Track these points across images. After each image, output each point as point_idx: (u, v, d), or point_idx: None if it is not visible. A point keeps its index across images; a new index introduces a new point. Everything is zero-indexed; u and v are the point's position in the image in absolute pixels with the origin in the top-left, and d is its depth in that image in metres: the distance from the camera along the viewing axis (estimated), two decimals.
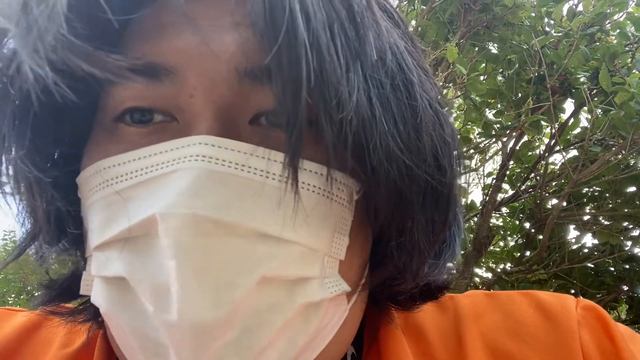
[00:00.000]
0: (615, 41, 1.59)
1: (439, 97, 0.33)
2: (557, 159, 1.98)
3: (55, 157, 0.32)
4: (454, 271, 0.40)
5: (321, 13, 0.25)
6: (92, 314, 0.36)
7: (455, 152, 0.33)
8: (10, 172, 0.30)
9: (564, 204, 1.73)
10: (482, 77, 1.79)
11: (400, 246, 0.31)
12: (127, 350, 0.30)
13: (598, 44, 1.56)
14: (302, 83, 0.24)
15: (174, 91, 0.27)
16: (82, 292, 0.31)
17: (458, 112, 2.22)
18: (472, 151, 2.03)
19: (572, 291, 1.76)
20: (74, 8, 0.24)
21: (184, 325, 0.25)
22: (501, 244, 2.26)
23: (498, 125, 1.76)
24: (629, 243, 1.81)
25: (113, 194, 0.27)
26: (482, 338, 0.37)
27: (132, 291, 0.27)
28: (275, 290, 0.27)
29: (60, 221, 0.31)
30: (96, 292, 0.30)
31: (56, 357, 0.39)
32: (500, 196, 2.03)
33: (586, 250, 1.92)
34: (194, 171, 0.25)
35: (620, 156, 1.49)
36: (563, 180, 1.84)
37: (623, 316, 2.06)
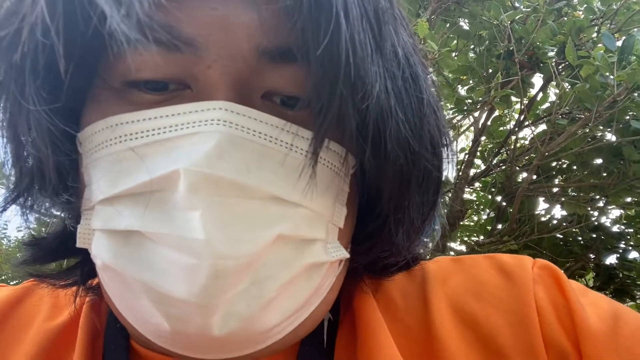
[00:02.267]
0: (582, 16, 1.62)
1: (436, 89, 0.37)
2: (526, 133, 2.03)
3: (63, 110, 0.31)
4: (430, 245, 0.43)
5: (356, 9, 0.27)
6: (81, 276, 0.37)
7: (446, 140, 0.36)
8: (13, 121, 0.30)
9: (534, 176, 1.78)
10: (453, 54, 1.81)
11: (398, 222, 0.34)
12: (128, 302, 0.31)
13: (565, 18, 1.59)
14: (340, 77, 0.26)
15: (192, 61, 0.28)
16: (78, 245, 0.32)
17: None
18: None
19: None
20: None
21: (205, 270, 0.26)
22: (474, 217, 2.31)
23: (469, 101, 1.78)
24: (596, 213, 1.88)
25: (126, 150, 0.28)
26: (447, 299, 0.39)
27: (144, 243, 0.28)
28: (287, 248, 0.29)
29: (61, 173, 0.32)
30: (99, 245, 0.30)
31: (41, 329, 0.39)
32: (472, 171, 2.07)
33: (555, 221, 1.98)
34: (217, 134, 0.27)
35: (586, 129, 1.54)
36: (532, 154, 1.88)
37: (590, 283, 2.14)
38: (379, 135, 0.29)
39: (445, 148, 0.36)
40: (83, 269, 0.37)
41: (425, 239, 0.40)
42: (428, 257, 0.43)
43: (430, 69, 1.76)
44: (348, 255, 0.34)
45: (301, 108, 0.30)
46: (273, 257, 0.29)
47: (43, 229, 0.37)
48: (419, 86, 0.32)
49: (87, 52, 0.28)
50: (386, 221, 0.34)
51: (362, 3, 0.28)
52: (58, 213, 0.35)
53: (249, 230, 0.27)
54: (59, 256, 0.36)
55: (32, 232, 0.36)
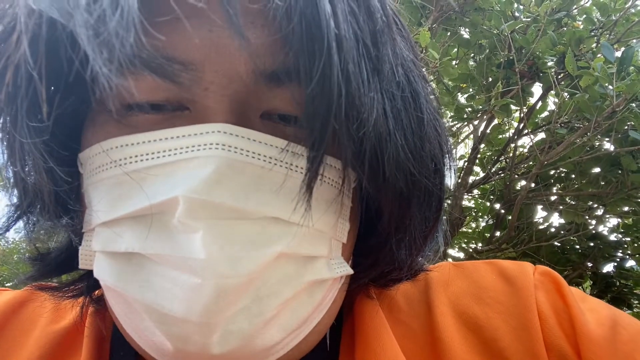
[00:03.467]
0: (581, 26, 1.64)
1: (437, 103, 0.36)
2: (525, 142, 2.04)
3: (59, 135, 0.31)
4: (430, 254, 0.43)
5: (350, 36, 0.26)
6: (86, 289, 0.37)
7: (447, 157, 0.36)
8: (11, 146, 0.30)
9: (532, 185, 1.79)
10: (454, 62, 1.82)
11: (400, 242, 0.34)
12: (132, 321, 0.31)
13: (565, 29, 1.60)
14: (332, 111, 0.26)
15: (189, 84, 0.28)
16: (81, 266, 0.32)
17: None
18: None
19: None
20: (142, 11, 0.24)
21: (209, 290, 0.26)
22: (473, 224, 2.32)
23: (469, 109, 1.79)
24: (594, 222, 1.88)
25: (123, 174, 0.28)
26: (450, 304, 0.40)
27: (145, 264, 0.28)
28: (288, 266, 0.29)
29: (59, 195, 0.32)
30: (100, 267, 0.30)
31: (44, 332, 0.39)
32: (471, 179, 2.08)
33: (553, 229, 1.99)
34: (216, 159, 0.26)
35: (585, 138, 1.55)
36: (531, 162, 1.89)
37: (588, 292, 2.15)
38: (377, 160, 0.29)
39: (447, 161, 0.36)
40: (89, 282, 0.37)
41: (428, 253, 0.40)
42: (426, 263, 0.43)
43: (431, 77, 1.77)
44: (352, 272, 0.33)
45: (294, 124, 0.30)
46: (274, 275, 0.29)
47: (49, 242, 0.37)
48: (419, 104, 0.32)
49: (77, 84, 0.29)
50: (388, 238, 0.34)
51: (357, 28, 0.27)
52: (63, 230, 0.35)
53: (249, 248, 0.27)
54: (64, 271, 0.37)
55: (37, 247, 0.36)
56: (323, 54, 0.25)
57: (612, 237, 1.94)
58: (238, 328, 0.28)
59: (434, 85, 2.01)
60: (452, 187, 2.11)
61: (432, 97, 0.35)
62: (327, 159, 0.29)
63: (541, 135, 1.90)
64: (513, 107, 1.70)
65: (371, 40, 0.28)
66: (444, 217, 0.40)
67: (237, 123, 0.28)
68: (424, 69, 0.37)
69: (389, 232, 0.34)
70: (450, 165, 0.36)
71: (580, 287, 2.13)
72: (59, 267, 0.36)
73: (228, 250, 0.26)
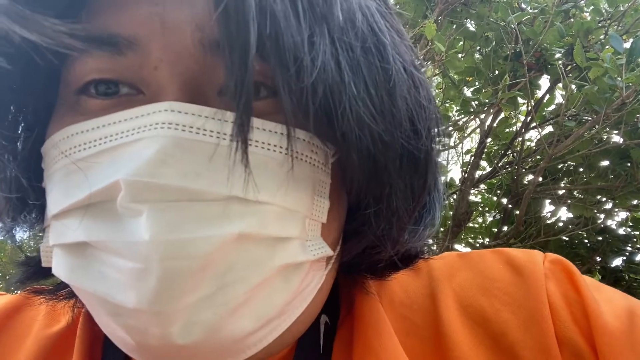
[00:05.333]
0: (589, 17, 1.61)
1: (415, 59, 0.33)
2: (533, 135, 2.02)
3: (19, 131, 0.31)
4: (431, 240, 0.40)
5: None
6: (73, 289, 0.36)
7: (433, 116, 0.32)
8: None
9: (540, 179, 1.77)
10: (460, 55, 1.80)
11: (378, 214, 0.31)
12: (97, 319, 0.30)
13: (572, 20, 1.58)
14: (249, 49, 0.23)
15: (138, 63, 0.27)
16: (43, 264, 0.31)
17: (437, 90, 2.23)
18: (450, 129, 2.05)
19: None
20: None
21: (156, 274, 0.24)
22: (479, 219, 2.31)
23: (476, 103, 1.78)
24: (602, 216, 1.87)
25: (71, 164, 0.27)
26: (455, 296, 0.37)
27: (94, 254, 0.27)
28: (254, 248, 0.27)
29: (22, 194, 0.31)
30: (56, 262, 0.29)
31: (38, 337, 0.38)
32: (478, 173, 2.06)
33: (561, 224, 1.97)
34: (161, 139, 0.25)
35: (593, 131, 1.53)
36: (539, 156, 1.88)
37: None
38: (332, 116, 0.25)
39: (434, 122, 0.32)
40: None
41: (423, 228, 0.36)
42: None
43: (437, 71, 1.76)
44: (331, 253, 0.30)
45: (265, 97, 0.28)
46: (240, 259, 0.26)
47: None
48: (384, 56, 0.28)
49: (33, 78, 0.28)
50: (365, 213, 0.31)
51: None
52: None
53: (203, 228, 0.25)
54: (49, 274, 0.35)
55: (22, 250, 0.35)
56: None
57: (621, 231, 1.92)
58: (202, 318, 0.26)
59: (439, 78, 2.00)
60: (458, 182, 2.10)
61: (408, 52, 0.32)
62: (266, 124, 0.27)
63: (549, 129, 1.88)
64: (520, 100, 1.69)
65: None
66: (441, 190, 0.38)
67: (191, 101, 0.26)
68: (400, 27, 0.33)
69: (367, 204, 0.30)
70: (438, 128, 0.33)
71: None
72: (42, 270, 0.34)
73: (178, 230, 0.24)
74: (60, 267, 0.29)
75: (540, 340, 0.34)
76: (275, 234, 0.27)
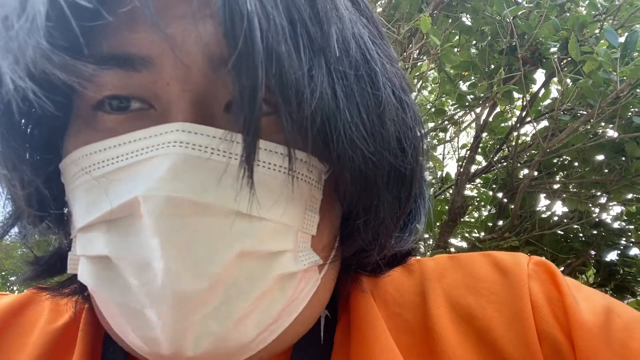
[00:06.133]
0: (584, 11, 1.62)
1: (403, 82, 0.35)
2: (528, 129, 2.03)
3: (35, 145, 0.33)
4: (420, 241, 0.43)
5: (280, 16, 0.26)
6: (79, 288, 0.37)
7: (418, 134, 0.35)
8: None
9: (535, 173, 1.78)
10: (455, 49, 1.80)
11: (367, 223, 0.33)
12: (114, 322, 0.32)
13: (568, 14, 1.58)
14: (258, 89, 0.25)
15: (151, 80, 0.29)
16: (69, 271, 0.33)
17: (433, 84, 2.23)
18: (446, 123, 2.05)
19: (543, 257, 1.81)
20: (52, 18, 0.25)
21: (168, 297, 0.27)
22: (475, 213, 2.31)
23: (471, 97, 1.78)
24: (597, 209, 1.88)
25: (92, 180, 0.29)
26: (444, 295, 0.40)
27: (116, 268, 0.29)
28: (253, 263, 0.29)
29: (42, 203, 0.33)
30: (82, 270, 0.31)
31: (43, 332, 0.40)
32: (474, 167, 2.07)
33: (556, 218, 1.98)
34: (173, 156, 0.27)
35: (588, 125, 1.53)
36: (534, 150, 1.88)
37: (591, 280, 2.14)
38: (329, 139, 0.28)
39: (420, 140, 0.35)
40: (80, 282, 0.37)
41: (408, 234, 0.39)
42: (428, 253, 0.43)
43: (432, 65, 1.76)
44: (321, 262, 0.33)
45: (267, 113, 0.30)
46: (240, 274, 0.28)
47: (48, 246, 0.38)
48: (376, 82, 0.31)
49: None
50: (354, 223, 0.34)
51: (293, 6, 0.27)
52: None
53: (209, 252, 0.27)
54: (58, 273, 0.37)
55: (32, 250, 0.37)
56: (242, 30, 0.25)
57: (616, 225, 1.93)
58: (209, 331, 0.28)
59: (435, 73, 1.99)
60: (454, 176, 2.11)
61: (397, 75, 0.34)
62: (271, 145, 0.29)
63: (544, 123, 1.89)
64: (515, 94, 1.69)
65: (312, 20, 0.28)
66: (426, 198, 0.40)
67: (199, 119, 0.28)
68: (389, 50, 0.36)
69: (357, 215, 0.33)
70: (423, 144, 0.35)
71: (583, 276, 2.13)
72: (50, 269, 0.37)
73: (187, 255, 0.27)
74: (85, 275, 0.31)
75: (523, 336, 0.36)
76: (272, 249, 0.29)
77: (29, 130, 0.32)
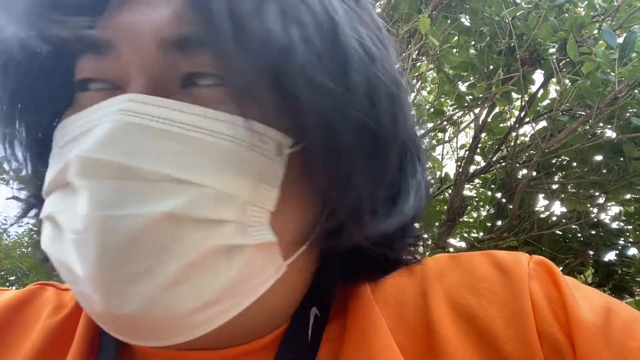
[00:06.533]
0: (583, 12, 1.62)
1: (378, 34, 0.34)
2: (527, 130, 2.03)
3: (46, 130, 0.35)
4: (417, 243, 0.42)
5: None
6: None
7: (403, 101, 0.33)
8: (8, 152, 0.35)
9: (534, 173, 1.78)
10: (454, 50, 1.80)
11: (342, 196, 0.31)
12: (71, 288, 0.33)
13: (566, 15, 1.58)
14: (223, 20, 0.27)
15: (115, 63, 0.31)
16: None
17: (432, 85, 2.24)
18: (445, 123, 2.06)
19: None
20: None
21: (92, 249, 0.27)
22: (474, 214, 2.32)
23: (470, 97, 1.78)
24: (595, 210, 1.88)
25: (57, 149, 0.32)
26: (445, 294, 0.40)
27: (60, 226, 0.30)
28: (184, 227, 0.28)
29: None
30: (42, 236, 0.32)
31: (45, 325, 0.40)
32: (472, 167, 2.07)
33: (554, 218, 1.98)
34: (113, 123, 0.28)
35: (586, 125, 1.54)
36: (532, 151, 1.88)
37: (589, 280, 2.15)
38: (282, 78, 0.27)
39: (402, 106, 0.32)
40: None
41: (394, 217, 0.35)
42: (427, 253, 0.43)
43: (431, 66, 1.76)
44: (274, 239, 0.31)
45: (211, 85, 0.30)
46: (168, 236, 0.28)
47: None
48: (338, 33, 0.29)
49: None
50: (322, 183, 0.31)
51: None
52: None
53: (134, 206, 0.27)
54: None
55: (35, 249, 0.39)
56: None
57: (614, 225, 1.94)
58: (138, 291, 0.28)
59: (434, 73, 2.00)
60: (453, 176, 2.11)
61: (370, 30, 0.33)
62: (221, 115, 0.29)
63: (542, 123, 1.89)
64: (514, 94, 1.69)
65: None
66: (420, 180, 0.37)
67: (153, 94, 0.29)
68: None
69: (329, 185, 0.31)
70: (406, 110, 0.33)
71: (582, 276, 2.13)
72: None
73: (113, 207, 0.27)
74: (42, 237, 0.32)
75: (523, 335, 0.36)
76: (208, 216, 0.28)
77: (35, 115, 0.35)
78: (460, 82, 1.86)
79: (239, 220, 0.29)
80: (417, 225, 0.40)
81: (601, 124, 1.57)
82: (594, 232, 1.94)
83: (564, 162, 1.86)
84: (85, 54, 0.31)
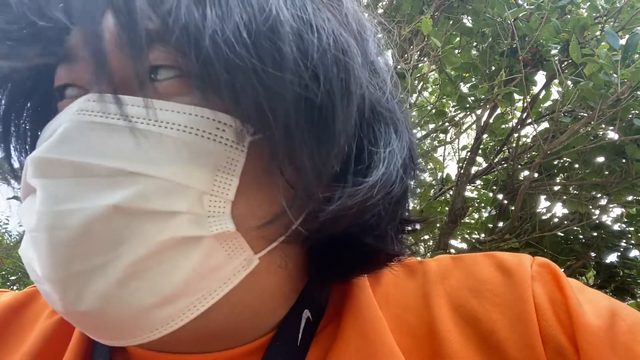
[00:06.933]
0: (585, 13, 1.62)
1: (318, 3, 0.32)
2: (529, 131, 2.03)
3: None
4: (409, 241, 0.41)
5: None
6: None
7: (349, 64, 0.31)
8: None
9: (535, 174, 1.78)
10: (456, 51, 1.80)
11: (292, 162, 0.30)
12: None
13: (569, 16, 1.58)
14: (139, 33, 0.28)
15: (82, 70, 0.31)
16: None
17: (433, 86, 2.24)
18: (447, 125, 2.05)
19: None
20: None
21: (44, 242, 0.28)
22: (475, 215, 2.31)
23: (472, 99, 1.78)
24: (597, 211, 1.88)
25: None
26: (447, 296, 0.39)
27: (25, 228, 0.31)
28: (134, 220, 0.28)
29: None
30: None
31: (43, 326, 0.40)
32: (474, 169, 2.07)
33: (556, 219, 1.98)
34: (67, 123, 0.29)
35: (589, 127, 1.53)
36: (534, 152, 1.88)
37: (591, 282, 2.14)
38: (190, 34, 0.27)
39: (351, 70, 0.31)
40: None
41: (364, 185, 0.32)
42: (428, 254, 0.42)
43: (433, 67, 1.76)
44: (233, 229, 0.30)
45: (166, 79, 0.30)
46: (117, 229, 0.27)
47: None
48: (260, 3, 0.29)
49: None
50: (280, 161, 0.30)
51: None
52: None
53: (81, 201, 0.27)
54: None
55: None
56: None
57: (616, 227, 1.93)
58: (93, 287, 0.28)
59: (436, 74, 2.00)
60: (454, 178, 2.11)
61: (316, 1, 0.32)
62: (163, 104, 0.29)
63: (544, 125, 1.89)
64: (516, 96, 1.69)
65: None
66: (396, 144, 0.35)
67: (113, 92, 0.29)
68: None
69: (283, 159, 0.30)
70: (357, 73, 0.31)
71: (583, 277, 2.13)
72: None
73: (61, 203, 0.27)
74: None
75: (526, 338, 0.35)
76: (160, 208, 0.28)
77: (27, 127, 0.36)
78: (462, 83, 1.85)
79: (194, 211, 0.29)
80: (405, 208, 0.37)
81: (603, 126, 1.57)
82: (595, 234, 1.93)
83: (566, 164, 1.85)
84: (60, 64, 0.32)
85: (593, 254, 1.95)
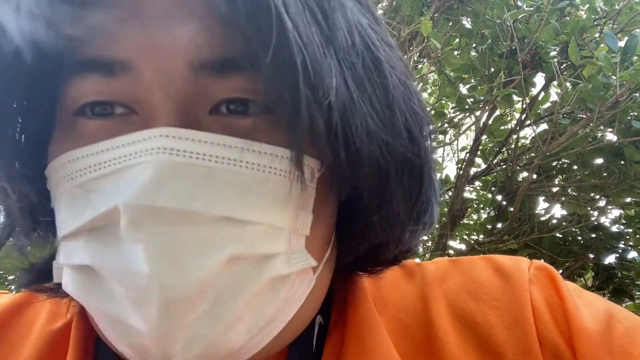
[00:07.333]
0: (584, 16, 1.62)
1: (405, 69, 0.34)
2: (527, 133, 2.03)
3: (23, 153, 0.32)
4: (424, 238, 0.42)
5: (296, 3, 0.25)
6: None
7: (425, 121, 0.34)
8: None
9: (534, 176, 1.78)
10: (455, 52, 1.80)
11: (383, 219, 0.32)
12: (102, 330, 0.32)
13: (568, 18, 1.58)
14: (300, 81, 0.24)
15: (132, 85, 0.28)
16: (55, 280, 0.32)
17: (433, 87, 2.24)
18: (446, 126, 2.05)
19: (542, 260, 1.80)
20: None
21: (155, 303, 0.26)
22: (474, 216, 2.32)
23: (471, 100, 1.78)
24: (596, 213, 1.88)
25: (76, 187, 0.28)
26: (446, 299, 0.39)
27: (100, 277, 0.28)
28: (243, 267, 0.28)
29: (33, 212, 0.32)
30: (66, 279, 0.30)
31: (42, 333, 0.39)
32: (473, 170, 2.07)
33: (555, 221, 1.98)
34: (156, 164, 0.26)
35: (587, 129, 1.54)
36: (533, 154, 1.88)
37: (589, 283, 2.14)
38: (346, 133, 0.27)
39: (427, 129, 0.34)
40: None
41: (422, 227, 0.37)
42: (427, 255, 0.42)
43: (432, 68, 1.76)
44: (314, 263, 0.31)
45: (254, 114, 0.29)
46: (230, 279, 0.27)
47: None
48: (382, 71, 0.30)
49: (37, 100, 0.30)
50: (370, 216, 0.32)
51: None
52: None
53: (197, 256, 0.26)
54: (47, 280, 0.36)
55: (27, 257, 0.36)
56: (274, 22, 0.24)
57: (614, 229, 1.93)
58: (200, 334, 0.27)
59: (435, 75, 2.00)
60: (453, 179, 2.11)
61: (398, 61, 0.33)
62: (278, 150, 0.28)
63: (543, 126, 1.89)
64: (515, 97, 1.69)
65: (318, 8, 0.27)
66: (437, 187, 0.38)
67: (183, 124, 0.27)
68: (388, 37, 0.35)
69: (370, 210, 0.32)
70: (429, 131, 0.34)
71: (582, 279, 2.13)
72: (43, 277, 0.35)
73: (173, 259, 0.26)
74: (69, 284, 0.30)
75: (523, 341, 0.35)
76: (263, 252, 0.28)
77: (16, 136, 0.31)
78: (461, 85, 1.85)
79: (287, 250, 0.29)
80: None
81: (602, 127, 1.58)
82: (594, 236, 1.94)
83: (565, 165, 1.86)
84: (87, 74, 0.28)
85: (591, 256, 1.96)
